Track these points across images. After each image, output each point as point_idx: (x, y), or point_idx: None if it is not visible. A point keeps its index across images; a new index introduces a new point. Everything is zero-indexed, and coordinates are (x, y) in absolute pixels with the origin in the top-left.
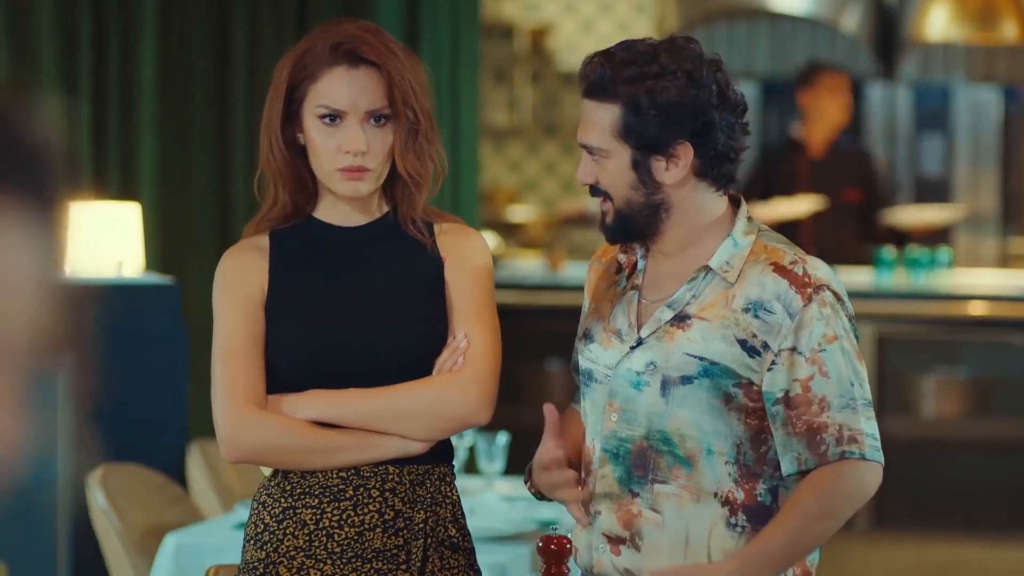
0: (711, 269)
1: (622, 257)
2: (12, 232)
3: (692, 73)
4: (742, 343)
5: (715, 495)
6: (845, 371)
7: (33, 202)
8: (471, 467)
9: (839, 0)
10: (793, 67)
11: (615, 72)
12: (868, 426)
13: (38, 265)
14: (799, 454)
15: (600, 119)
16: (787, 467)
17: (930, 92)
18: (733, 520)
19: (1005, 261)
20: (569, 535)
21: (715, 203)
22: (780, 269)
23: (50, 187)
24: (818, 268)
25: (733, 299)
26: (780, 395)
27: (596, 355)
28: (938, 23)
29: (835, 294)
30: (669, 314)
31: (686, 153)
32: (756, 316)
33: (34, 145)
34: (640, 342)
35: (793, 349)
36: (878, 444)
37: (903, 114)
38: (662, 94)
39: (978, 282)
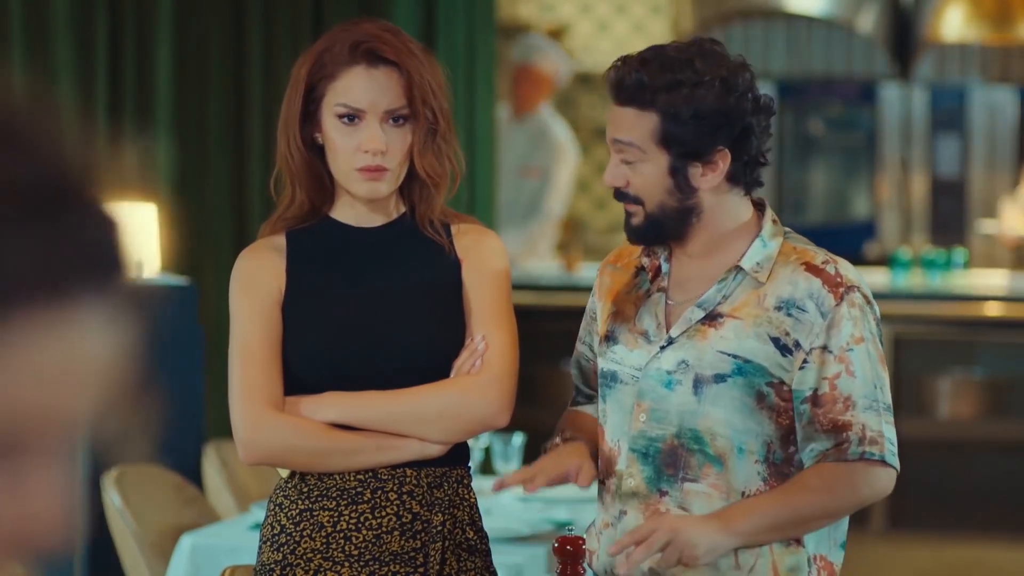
0: (742, 269)
1: (645, 260)
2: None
3: (728, 80)
4: (775, 341)
5: (743, 494)
6: (870, 373)
7: (96, 280)
8: (487, 468)
9: (855, 1)
10: (809, 68)
11: (651, 79)
12: (888, 431)
13: (101, 348)
14: (822, 450)
15: (637, 125)
16: (807, 463)
17: (946, 93)
18: None
19: (1021, 262)
20: (585, 536)
21: (742, 207)
22: (812, 268)
23: (113, 260)
24: (849, 269)
25: (765, 298)
26: (809, 393)
27: (621, 356)
28: (954, 24)
29: (865, 297)
30: (700, 314)
31: (724, 159)
32: (789, 314)
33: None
34: (671, 341)
35: (824, 348)
36: (895, 450)
37: (919, 115)
38: (701, 103)
39: (994, 283)
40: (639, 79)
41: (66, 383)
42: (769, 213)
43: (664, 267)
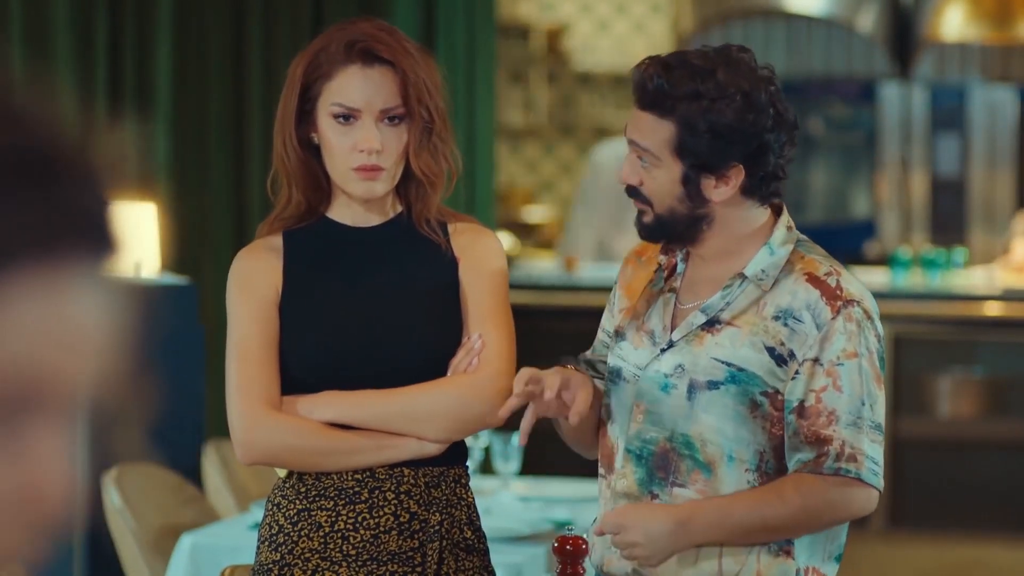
0: (746, 277)
1: (662, 258)
2: (64, 286)
3: (750, 95)
4: (770, 350)
5: None
6: (858, 389)
7: (87, 251)
8: (487, 467)
9: (855, 0)
10: (809, 67)
11: (671, 87)
12: (871, 449)
13: (93, 317)
14: (804, 462)
15: (655, 131)
16: (789, 471)
17: (946, 92)
18: None
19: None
20: (585, 535)
21: (756, 214)
22: (813, 279)
23: (104, 230)
24: (852, 283)
25: (764, 307)
26: (796, 404)
27: (626, 354)
28: (954, 23)
29: (866, 312)
30: (702, 319)
31: (738, 175)
32: (785, 324)
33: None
34: (671, 344)
35: (816, 360)
36: (878, 469)
37: (919, 114)
38: (719, 117)
39: (993, 282)
40: (660, 85)
41: (61, 347)
42: (784, 219)
43: (680, 267)
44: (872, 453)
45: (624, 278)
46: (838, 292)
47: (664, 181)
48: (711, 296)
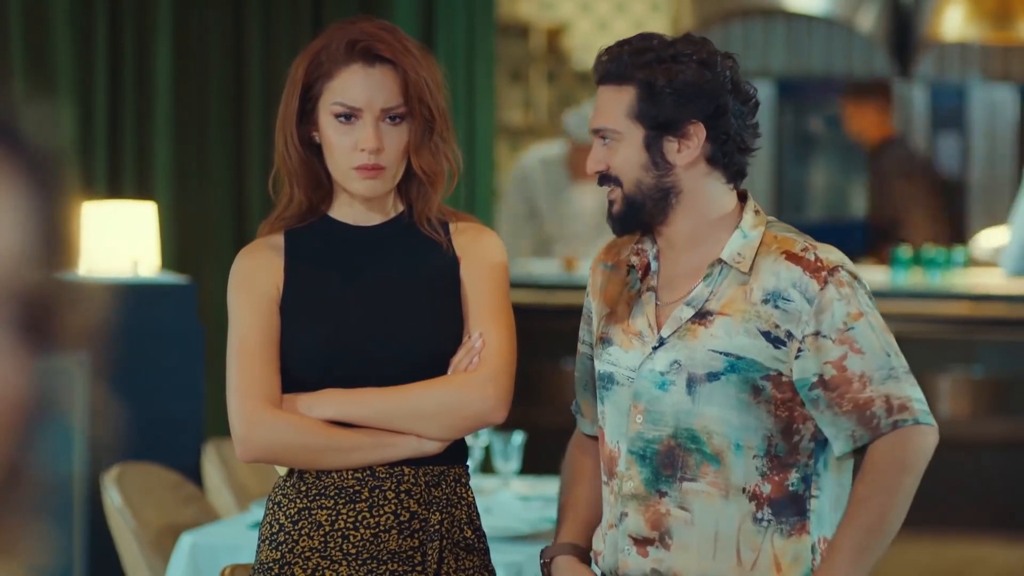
0: (724, 262)
1: (634, 259)
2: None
3: (707, 60)
4: (766, 335)
5: (743, 491)
6: (878, 344)
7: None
8: (487, 466)
9: (855, 0)
10: (809, 66)
11: (631, 57)
12: (914, 392)
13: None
14: (852, 431)
15: (614, 102)
16: (841, 447)
17: (946, 91)
18: (759, 515)
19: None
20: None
21: (724, 196)
22: (792, 256)
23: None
24: (830, 252)
25: (751, 292)
26: (814, 379)
27: (616, 358)
28: (954, 22)
29: (851, 273)
30: (689, 312)
31: (698, 133)
32: (776, 306)
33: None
34: (662, 342)
35: (817, 333)
36: (927, 408)
37: (919, 113)
38: (677, 76)
39: (994, 282)
40: (619, 57)
41: None
42: (751, 204)
43: (653, 265)
44: (916, 395)
45: (595, 287)
46: (818, 264)
47: (628, 151)
48: (692, 288)
